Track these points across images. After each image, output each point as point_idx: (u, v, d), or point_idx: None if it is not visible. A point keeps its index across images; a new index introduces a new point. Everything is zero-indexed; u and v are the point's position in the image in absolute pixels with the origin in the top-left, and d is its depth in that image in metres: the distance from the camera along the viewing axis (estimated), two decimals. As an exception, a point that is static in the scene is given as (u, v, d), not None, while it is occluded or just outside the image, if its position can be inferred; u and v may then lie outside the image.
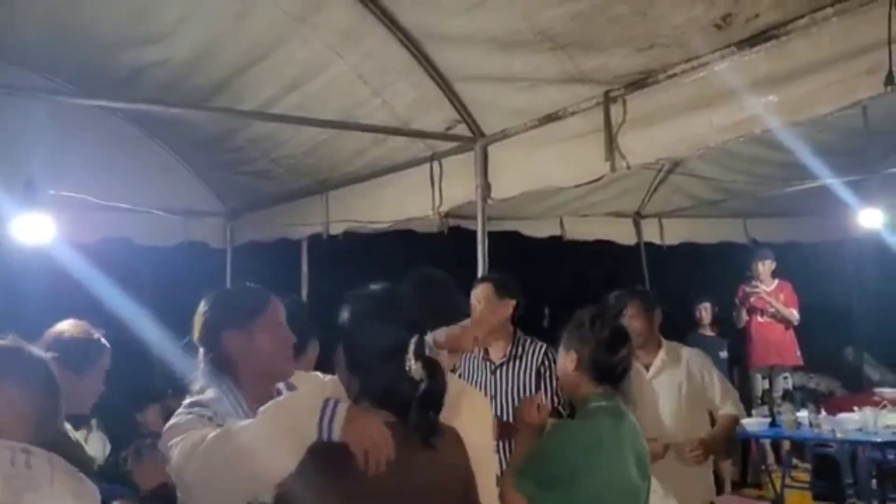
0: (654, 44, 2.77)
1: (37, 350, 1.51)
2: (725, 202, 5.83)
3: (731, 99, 2.63)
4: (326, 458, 1.45)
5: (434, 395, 1.55)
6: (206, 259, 5.60)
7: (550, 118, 3.32)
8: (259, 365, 1.84)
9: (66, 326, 2.48)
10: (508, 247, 5.23)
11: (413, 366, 1.54)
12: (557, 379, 2.64)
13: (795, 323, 6.27)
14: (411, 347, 1.55)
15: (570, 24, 2.81)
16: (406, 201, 4.16)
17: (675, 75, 2.80)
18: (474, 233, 4.58)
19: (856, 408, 4.87)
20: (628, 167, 3.03)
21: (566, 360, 2.24)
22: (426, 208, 3.96)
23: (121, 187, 4.68)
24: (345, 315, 1.63)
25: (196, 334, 1.87)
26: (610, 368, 2.20)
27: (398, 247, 5.71)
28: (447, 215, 4.16)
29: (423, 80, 3.58)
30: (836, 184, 4.66)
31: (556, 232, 5.94)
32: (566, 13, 2.78)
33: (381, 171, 4.24)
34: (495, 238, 3.84)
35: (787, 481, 5.46)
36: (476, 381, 3.21)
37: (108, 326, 3.88)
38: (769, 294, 6.30)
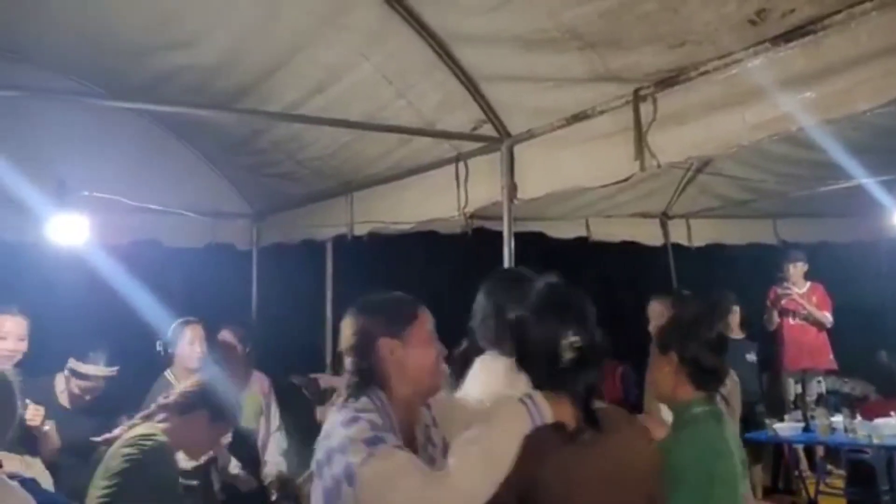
0: (685, 41, 2.72)
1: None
2: (755, 202, 5.73)
3: (764, 96, 2.56)
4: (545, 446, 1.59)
5: (595, 381, 1.70)
6: (233, 260, 5.64)
7: (578, 117, 3.27)
8: (411, 377, 1.77)
9: None
10: (533, 248, 5.19)
11: (573, 355, 1.66)
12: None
13: (829, 326, 6.15)
14: (571, 339, 1.65)
15: (598, 21, 2.77)
16: (431, 202, 4.13)
17: (706, 73, 2.74)
18: (498, 233, 4.54)
19: (893, 412, 4.76)
20: (658, 166, 2.98)
21: (662, 362, 2.19)
22: (451, 209, 3.93)
23: (150, 189, 4.72)
24: (511, 315, 1.78)
25: (344, 343, 1.79)
26: (713, 372, 2.16)
27: (422, 248, 5.70)
28: (472, 216, 4.13)
29: (448, 81, 3.55)
30: (869, 183, 4.56)
31: (582, 233, 5.88)
32: (594, 11, 2.74)
33: (406, 172, 4.22)
34: (520, 239, 3.80)
35: (821, 487, 5.36)
36: None
37: (136, 327, 3.95)
38: (801, 296, 6.18)
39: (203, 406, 2.52)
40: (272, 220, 5.49)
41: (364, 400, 1.71)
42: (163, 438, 2.40)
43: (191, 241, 5.35)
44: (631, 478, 1.70)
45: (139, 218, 4.82)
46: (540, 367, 1.71)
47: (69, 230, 3.65)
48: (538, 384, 1.70)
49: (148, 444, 2.34)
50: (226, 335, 4.29)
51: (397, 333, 1.76)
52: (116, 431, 2.52)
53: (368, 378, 1.74)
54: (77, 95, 4.18)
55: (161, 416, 2.50)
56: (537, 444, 1.59)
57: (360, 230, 4.68)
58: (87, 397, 3.63)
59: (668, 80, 2.90)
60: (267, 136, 4.49)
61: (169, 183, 4.98)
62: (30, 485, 1.30)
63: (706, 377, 2.14)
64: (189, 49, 3.80)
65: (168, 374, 3.94)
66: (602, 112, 3.16)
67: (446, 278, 5.67)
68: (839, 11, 2.31)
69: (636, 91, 2.99)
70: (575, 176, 3.39)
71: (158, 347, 3.96)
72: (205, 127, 4.87)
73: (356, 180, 4.56)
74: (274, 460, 4.18)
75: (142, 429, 2.44)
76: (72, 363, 3.59)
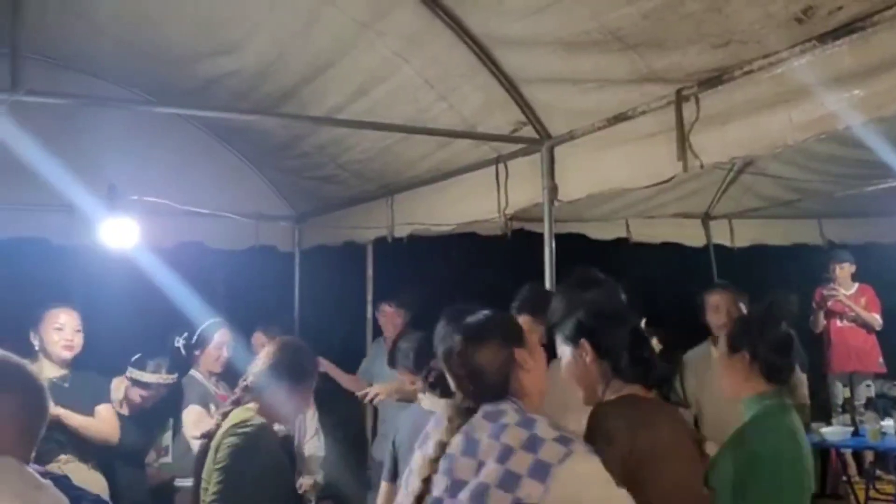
0: (729, 40, 2.69)
1: (17, 358, 1.52)
2: (799, 202, 5.63)
3: (811, 95, 2.53)
4: None
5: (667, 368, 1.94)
6: (275, 262, 5.73)
7: (619, 118, 3.26)
8: (539, 383, 1.83)
9: None
10: (573, 249, 5.18)
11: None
12: None
13: (878, 328, 6.01)
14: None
15: (641, 22, 2.75)
16: (471, 204, 4.15)
17: (751, 72, 2.71)
18: (538, 235, 4.53)
19: (945, 417, 4.64)
20: (701, 167, 2.95)
21: (734, 361, 2.30)
22: (491, 210, 3.95)
23: (195, 193, 4.82)
24: (583, 315, 2.05)
25: (467, 359, 1.81)
26: (783, 368, 2.27)
27: (461, 249, 5.73)
28: (512, 218, 4.13)
29: (488, 83, 3.57)
30: (919, 182, 4.46)
31: (622, 234, 5.85)
32: (637, 12, 2.72)
33: (446, 174, 4.25)
34: (560, 240, 3.80)
35: (871, 493, 5.24)
36: None
37: (182, 328, 4.04)
38: (849, 298, 6.06)
39: (284, 373, 2.55)
40: (314, 223, 5.56)
41: (509, 405, 1.74)
42: (259, 420, 2.45)
43: (234, 243, 5.45)
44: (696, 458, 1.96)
45: (185, 221, 4.92)
46: (622, 359, 1.97)
47: (120, 233, 3.75)
48: (621, 376, 1.97)
49: (249, 430, 2.40)
50: (259, 337, 4.35)
51: (524, 343, 1.82)
52: (213, 423, 2.58)
53: (502, 392, 1.77)
54: (127, 102, 4.29)
55: (247, 397, 2.55)
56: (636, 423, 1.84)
57: (401, 232, 4.71)
58: (147, 405, 3.74)
59: (712, 80, 2.87)
60: (309, 140, 4.56)
61: (213, 186, 5.08)
62: (62, 482, 1.34)
63: (776, 372, 2.26)
64: (234, 55, 3.88)
65: (195, 373, 3.99)
66: (644, 113, 3.14)
67: (486, 280, 5.69)
68: (888, 7, 2.27)
69: (679, 91, 2.97)
70: (617, 177, 3.38)
71: (178, 344, 3.98)
72: (248, 131, 4.96)
73: (397, 183, 4.60)
74: (309, 469, 4.20)
75: (237, 414, 2.49)
76: (133, 373, 3.70)
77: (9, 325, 3.41)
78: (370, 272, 5.34)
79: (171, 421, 3.93)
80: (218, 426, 2.50)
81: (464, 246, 5.41)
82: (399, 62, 3.61)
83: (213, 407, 3.81)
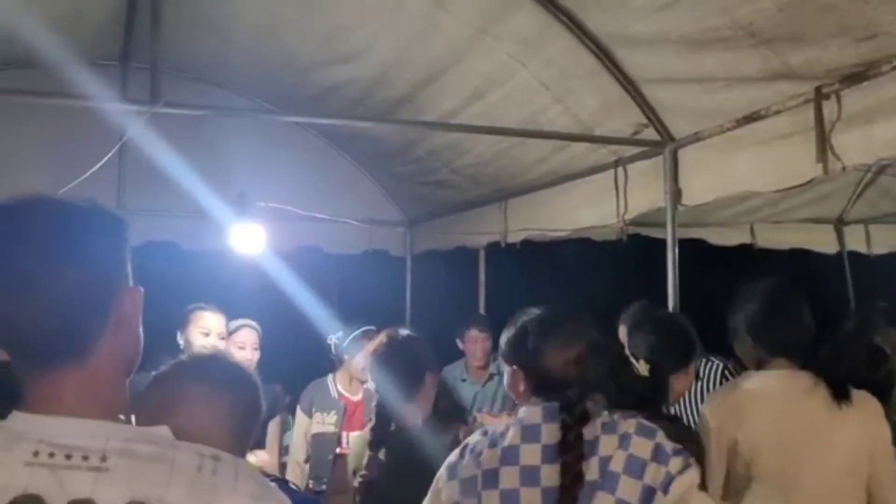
0: (876, 33, 2.49)
1: (238, 359, 1.53)
2: (947, 206, 5.20)
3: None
4: None
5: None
6: (387, 266, 5.80)
7: (750, 118, 3.08)
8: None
9: None
10: (694, 255, 4.98)
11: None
12: None
13: None
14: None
15: (777, 16, 2.59)
16: (588, 208, 4.05)
17: (900, 66, 2.50)
18: (655, 241, 4.37)
19: None
20: (843, 169, 2.75)
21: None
22: (610, 215, 3.83)
23: (311, 199, 4.96)
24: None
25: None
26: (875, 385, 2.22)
27: (575, 255, 5.61)
28: (631, 223, 4.01)
29: (607, 85, 3.47)
30: None
31: (746, 240, 5.56)
32: (772, 5, 2.56)
33: (562, 178, 4.16)
34: (680, 246, 3.64)
35: None
36: None
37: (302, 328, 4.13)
38: None
39: (428, 367, 2.54)
40: (426, 227, 5.60)
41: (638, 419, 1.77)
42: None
43: (348, 247, 5.57)
44: None
45: (301, 226, 5.06)
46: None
47: (248, 238, 3.89)
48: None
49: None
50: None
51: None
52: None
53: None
54: (256, 112, 4.47)
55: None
56: None
57: (514, 237, 4.66)
58: None
59: (855, 76, 2.66)
60: (423, 145, 4.59)
61: (328, 192, 5.21)
62: (283, 486, 1.31)
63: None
64: (352, 63, 3.95)
65: (330, 379, 4.03)
66: (778, 112, 2.95)
67: (601, 286, 5.56)
68: None
69: (818, 89, 2.77)
70: (748, 180, 3.20)
71: (331, 341, 3.99)
72: (362, 137, 5.05)
73: (511, 187, 4.56)
74: None
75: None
76: None
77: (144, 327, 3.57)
78: (482, 277, 5.30)
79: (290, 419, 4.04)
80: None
81: (577, 251, 5.30)
82: (515, 65, 3.57)
83: (330, 414, 3.85)
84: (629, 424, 1.70)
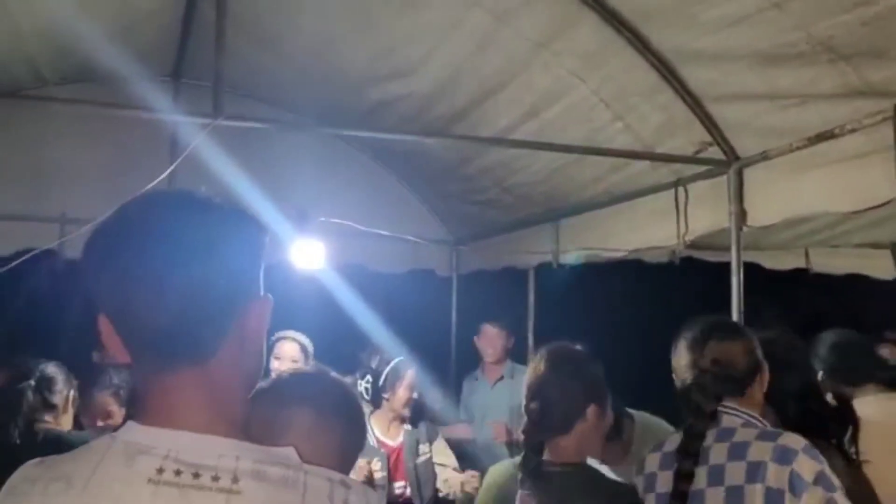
0: (963, 48, 2.39)
1: (338, 377, 1.43)
2: None
3: None
4: None
5: None
6: (433, 286, 5.74)
7: (822, 137, 2.98)
8: None
9: None
10: (748, 279, 4.85)
11: None
12: None
13: None
14: None
15: (860, 30, 2.50)
16: (647, 229, 3.95)
17: None
18: (708, 264, 4.25)
19: None
20: (924, 190, 2.64)
21: None
22: (670, 237, 3.73)
23: (358, 216, 4.91)
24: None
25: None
26: None
27: (626, 277, 5.50)
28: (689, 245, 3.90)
29: (670, 102, 3.39)
30: None
31: (801, 264, 5.41)
32: (855, 20, 2.48)
33: (619, 197, 4.08)
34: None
35: None
36: None
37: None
38: None
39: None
40: (473, 247, 5.54)
41: None
42: None
43: (394, 265, 5.52)
44: None
45: (348, 243, 5.02)
46: None
47: (308, 254, 3.87)
48: None
49: None
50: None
51: None
52: None
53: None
54: (312, 126, 4.47)
55: None
56: None
57: (567, 258, 4.58)
58: None
59: (940, 93, 2.57)
60: (475, 163, 4.54)
61: (375, 210, 5.17)
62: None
63: None
64: (406, 79, 3.93)
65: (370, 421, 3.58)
66: (854, 130, 2.85)
67: (653, 309, 5.43)
68: None
69: (897, 106, 2.68)
70: (818, 201, 3.09)
71: (361, 388, 3.63)
72: (412, 155, 5.02)
73: (564, 206, 4.48)
74: None
75: None
76: None
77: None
78: (531, 298, 5.22)
79: None
80: None
81: (629, 273, 5.19)
82: (574, 81, 3.51)
83: (374, 462, 3.37)
84: (747, 433, 1.83)
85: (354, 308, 3.98)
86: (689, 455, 1.82)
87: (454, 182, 4.95)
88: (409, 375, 3.67)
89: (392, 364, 3.67)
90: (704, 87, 3.27)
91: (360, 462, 3.13)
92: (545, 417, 1.93)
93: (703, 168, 3.53)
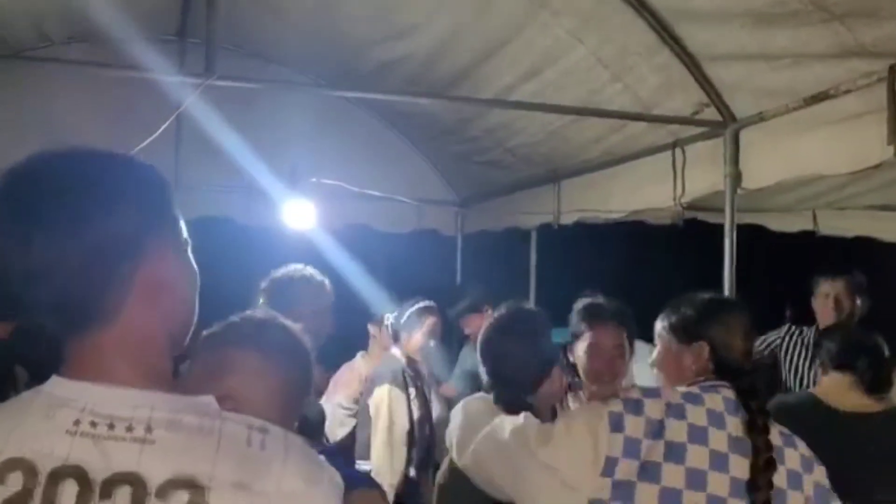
0: (958, 7, 2.36)
1: (289, 322, 1.39)
2: None
3: None
4: None
5: None
6: (437, 246, 5.78)
7: (818, 98, 2.95)
8: None
9: None
10: (752, 242, 4.84)
11: None
12: None
13: None
14: None
15: (853, -11, 2.47)
16: (644, 191, 3.96)
17: None
18: (712, 226, 4.23)
19: None
20: (917, 151, 2.61)
21: None
22: (666, 198, 3.73)
23: (363, 176, 4.95)
24: None
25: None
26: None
27: (629, 238, 5.51)
28: (686, 207, 3.90)
29: (668, 63, 3.36)
30: None
31: (808, 226, 5.38)
32: (848, -22, 2.45)
33: (618, 159, 4.07)
34: (737, 232, 3.53)
35: None
36: None
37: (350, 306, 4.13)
38: None
39: None
40: (477, 208, 5.56)
41: None
42: None
43: (398, 226, 5.56)
44: None
45: (351, 203, 5.06)
46: None
47: (299, 214, 3.89)
48: None
49: None
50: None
51: None
52: None
53: None
54: (309, 87, 4.47)
55: None
56: None
57: (567, 219, 4.59)
58: None
59: (934, 53, 2.53)
60: (477, 124, 4.54)
61: (379, 170, 5.19)
62: (333, 458, 1.15)
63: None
64: (408, 39, 3.93)
65: (395, 350, 3.83)
66: (848, 91, 2.82)
67: (655, 271, 5.45)
68: None
69: (892, 67, 2.64)
70: (813, 162, 3.07)
71: (387, 320, 3.84)
72: (415, 115, 5.02)
73: (565, 168, 4.48)
74: None
75: None
76: None
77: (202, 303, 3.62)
78: (533, 258, 5.24)
79: None
80: None
81: (631, 235, 5.19)
82: (573, 42, 3.49)
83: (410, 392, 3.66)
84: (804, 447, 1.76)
85: (354, 268, 4.02)
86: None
87: (458, 143, 4.96)
88: (429, 322, 3.80)
89: (417, 306, 3.81)
90: (701, 48, 3.24)
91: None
92: (498, 378, 2.02)
93: (699, 129, 3.52)
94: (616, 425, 1.63)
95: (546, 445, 1.64)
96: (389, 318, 3.86)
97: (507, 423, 1.76)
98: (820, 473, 1.71)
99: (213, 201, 4.83)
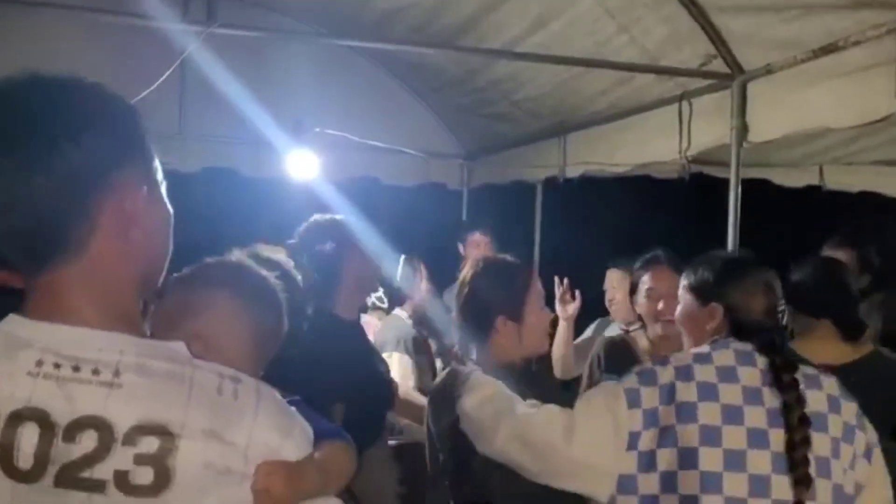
0: (971, -44, 2.31)
1: (261, 268, 1.33)
2: None
3: None
4: None
5: None
6: (444, 199, 5.78)
7: (827, 50, 2.92)
8: None
9: None
10: (758, 197, 4.82)
11: None
12: None
13: None
14: None
15: (864, -63, 2.43)
16: (650, 144, 3.93)
17: None
18: (718, 180, 4.21)
19: None
20: (925, 105, 2.60)
21: None
22: (672, 152, 3.71)
23: (369, 128, 4.92)
24: None
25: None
26: None
27: (635, 192, 5.50)
28: (692, 160, 3.88)
29: (675, 13, 3.32)
30: None
31: (814, 181, 5.34)
32: (859, -75, 2.40)
33: (625, 112, 4.04)
34: (744, 186, 3.52)
35: None
36: None
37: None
38: None
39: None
40: (483, 161, 5.54)
41: None
42: None
43: (405, 179, 5.53)
44: None
45: (357, 155, 5.03)
46: None
47: (303, 166, 3.88)
48: None
49: None
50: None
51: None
52: None
53: None
54: (312, 35, 4.42)
55: None
56: None
57: (573, 172, 4.58)
58: None
59: (945, 4, 2.50)
60: (483, 75, 4.50)
61: (385, 122, 5.16)
62: (303, 408, 1.11)
63: None
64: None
65: (399, 312, 3.83)
66: (857, 42, 2.79)
67: (661, 225, 5.45)
68: None
69: (902, 17, 2.61)
70: (819, 115, 3.05)
71: (401, 282, 3.77)
72: (421, 67, 4.97)
73: (571, 121, 4.45)
74: None
75: None
76: None
77: (202, 256, 3.62)
78: (539, 212, 5.24)
79: None
80: None
81: (637, 189, 5.18)
82: (580, -9, 3.44)
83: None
84: (831, 384, 1.71)
85: (358, 220, 4.03)
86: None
87: (464, 95, 4.92)
88: (422, 267, 3.83)
89: (402, 258, 3.76)
90: (710, -2, 3.19)
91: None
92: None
93: (707, 81, 3.49)
94: (633, 401, 1.67)
95: (571, 442, 1.67)
96: (372, 299, 3.75)
97: (533, 420, 1.75)
98: (848, 412, 1.69)
99: (217, 152, 4.81)
